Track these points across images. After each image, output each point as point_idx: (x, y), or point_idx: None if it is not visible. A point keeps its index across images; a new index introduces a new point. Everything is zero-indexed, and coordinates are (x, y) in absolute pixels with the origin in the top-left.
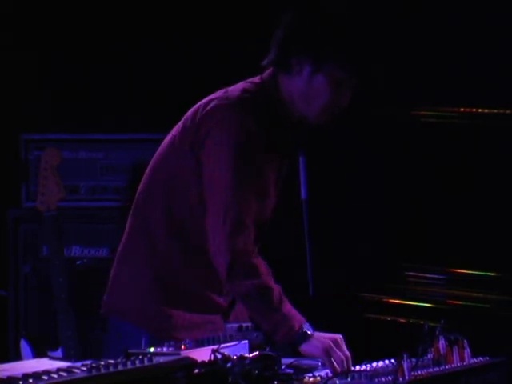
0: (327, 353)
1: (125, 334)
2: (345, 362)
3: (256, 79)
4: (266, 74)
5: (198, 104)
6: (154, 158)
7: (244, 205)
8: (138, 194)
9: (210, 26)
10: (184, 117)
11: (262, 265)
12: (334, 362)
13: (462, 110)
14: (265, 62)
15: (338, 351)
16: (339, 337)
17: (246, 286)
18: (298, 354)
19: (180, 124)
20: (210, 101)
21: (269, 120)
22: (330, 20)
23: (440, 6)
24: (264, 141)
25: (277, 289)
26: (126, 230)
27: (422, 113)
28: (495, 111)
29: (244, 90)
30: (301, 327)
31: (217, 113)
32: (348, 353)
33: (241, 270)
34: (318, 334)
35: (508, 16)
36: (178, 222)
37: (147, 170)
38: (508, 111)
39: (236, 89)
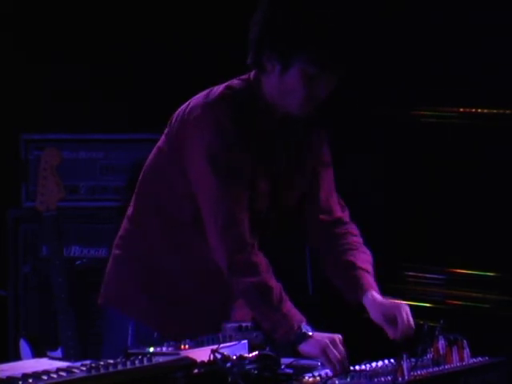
0: (324, 352)
1: (120, 323)
2: (341, 362)
3: (245, 76)
4: (253, 71)
5: (184, 104)
6: (149, 157)
7: (233, 200)
8: (135, 192)
9: (210, 26)
10: (171, 117)
11: (262, 262)
12: (331, 361)
13: (461, 110)
14: (247, 62)
15: (334, 350)
16: (337, 336)
17: (244, 283)
18: (297, 354)
19: (168, 124)
20: (192, 101)
21: (252, 115)
22: (297, 16)
23: (439, 6)
24: (244, 136)
25: (277, 287)
26: (124, 222)
27: (422, 113)
28: (495, 111)
29: (227, 87)
30: (299, 327)
31: (195, 114)
32: (344, 352)
33: (239, 267)
34: (316, 334)
35: (508, 15)
36: (170, 221)
37: (143, 169)
38: (508, 111)
39: (220, 87)
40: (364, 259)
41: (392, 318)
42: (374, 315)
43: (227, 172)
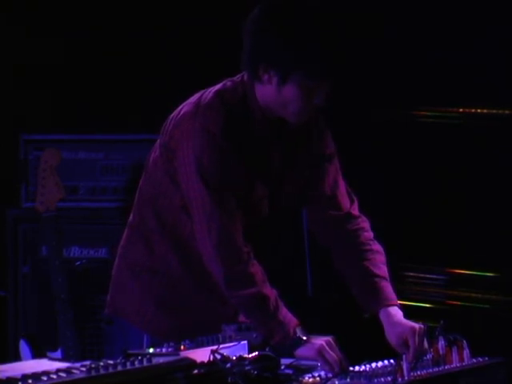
0: (321, 353)
1: (129, 333)
2: (338, 362)
3: (238, 77)
4: (247, 74)
5: (175, 112)
6: (148, 166)
7: (226, 215)
8: (135, 200)
9: (210, 27)
10: (163, 126)
11: (257, 272)
12: (329, 362)
13: (461, 110)
14: (241, 68)
15: (330, 351)
16: (331, 338)
17: (242, 296)
18: None
19: (160, 133)
20: (182, 109)
21: (245, 120)
22: (292, 30)
23: (439, 6)
24: (237, 143)
25: (273, 295)
26: (126, 230)
27: (422, 113)
28: (495, 111)
29: (218, 93)
30: (295, 332)
31: (184, 122)
32: (340, 352)
33: (236, 280)
34: (311, 337)
35: (507, 15)
36: (169, 227)
37: (141, 179)
38: (508, 111)
39: (211, 92)
40: (379, 261)
41: (405, 342)
42: (388, 335)
43: (219, 187)
